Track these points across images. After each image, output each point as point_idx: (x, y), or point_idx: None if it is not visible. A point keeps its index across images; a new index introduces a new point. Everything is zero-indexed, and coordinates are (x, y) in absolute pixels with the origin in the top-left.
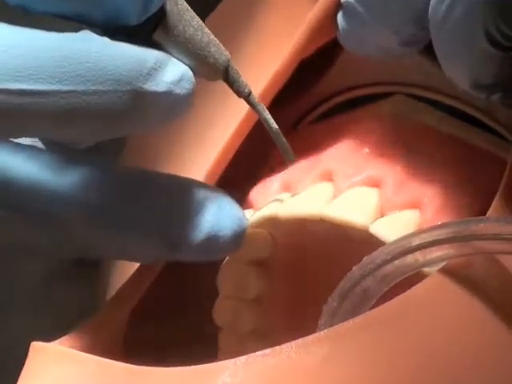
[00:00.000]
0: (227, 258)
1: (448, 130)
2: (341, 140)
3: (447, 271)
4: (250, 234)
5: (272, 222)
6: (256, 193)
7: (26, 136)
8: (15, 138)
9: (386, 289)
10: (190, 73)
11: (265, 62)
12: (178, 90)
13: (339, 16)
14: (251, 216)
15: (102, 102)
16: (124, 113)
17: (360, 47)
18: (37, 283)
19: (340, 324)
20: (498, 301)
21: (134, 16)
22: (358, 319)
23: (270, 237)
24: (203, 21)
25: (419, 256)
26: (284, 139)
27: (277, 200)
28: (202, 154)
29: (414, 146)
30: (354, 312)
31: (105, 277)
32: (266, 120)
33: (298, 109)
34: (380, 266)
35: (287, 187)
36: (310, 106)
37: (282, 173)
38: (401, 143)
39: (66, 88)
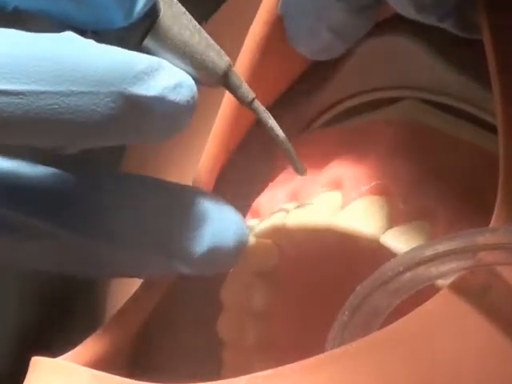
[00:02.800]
0: (231, 269)
1: (462, 137)
2: (349, 147)
3: (458, 286)
4: (256, 245)
5: (279, 232)
6: (261, 201)
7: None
8: None
9: (398, 302)
10: (191, 80)
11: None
12: (173, 97)
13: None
14: (257, 226)
15: (83, 104)
16: (108, 117)
17: (313, 42)
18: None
19: (346, 345)
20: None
21: (119, 18)
22: (365, 340)
23: (277, 248)
24: (205, 22)
25: (432, 268)
26: (293, 150)
27: (283, 209)
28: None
29: (425, 153)
30: (365, 326)
31: (105, 293)
32: (271, 129)
33: (305, 114)
34: (391, 278)
35: (294, 196)
36: (318, 112)
37: (289, 180)
38: (411, 150)
39: (42, 88)
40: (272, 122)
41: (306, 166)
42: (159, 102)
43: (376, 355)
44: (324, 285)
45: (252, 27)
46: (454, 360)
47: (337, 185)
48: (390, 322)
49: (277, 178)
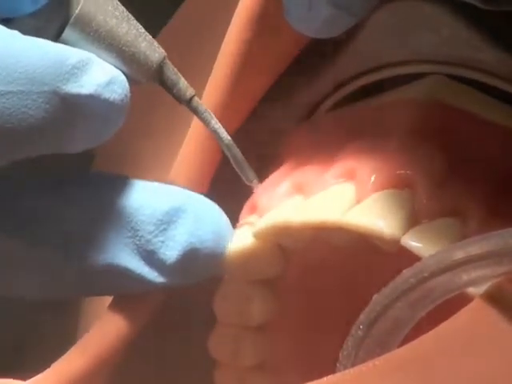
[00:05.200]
0: (226, 276)
1: (498, 120)
2: (364, 131)
3: (493, 295)
4: (255, 247)
5: (281, 232)
6: (261, 194)
7: None
8: None
9: (422, 315)
10: (122, 76)
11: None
12: (107, 94)
13: None
14: (256, 223)
15: (12, 107)
16: (42, 122)
17: (313, 18)
18: None
19: (362, 365)
20: None
21: (26, 1)
22: (385, 359)
23: (279, 250)
24: (160, 29)
25: (463, 274)
26: (240, 155)
27: (287, 204)
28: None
29: (454, 139)
30: (383, 343)
31: (75, 310)
32: (215, 131)
33: (311, 94)
34: (415, 286)
35: (299, 188)
36: (326, 91)
37: (294, 171)
38: (438, 135)
39: None
40: (215, 124)
41: (314, 154)
42: (93, 100)
43: (398, 377)
44: (335, 294)
45: (241, 2)
46: (489, 380)
47: (350, 176)
48: (413, 338)
49: (279, 168)
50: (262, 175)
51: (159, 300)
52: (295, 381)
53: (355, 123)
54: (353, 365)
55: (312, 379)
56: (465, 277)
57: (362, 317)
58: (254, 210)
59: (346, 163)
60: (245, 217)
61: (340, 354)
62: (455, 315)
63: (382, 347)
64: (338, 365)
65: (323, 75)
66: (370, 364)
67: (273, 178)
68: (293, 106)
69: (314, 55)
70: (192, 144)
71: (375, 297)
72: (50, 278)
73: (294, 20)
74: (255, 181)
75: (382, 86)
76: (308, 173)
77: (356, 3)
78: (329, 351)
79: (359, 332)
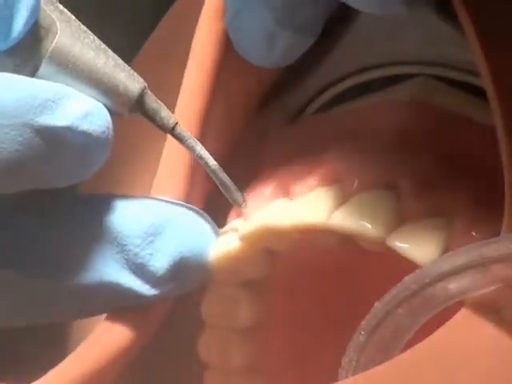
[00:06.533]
0: (213, 279)
1: (485, 121)
2: (349, 133)
3: (479, 306)
4: (241, 250)
5: (267, 234)
6: (246, 197)
7: None
8: None
9: (423, 321)
10: (103, 108)
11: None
12: (85, 126)
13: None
14: (241, 226)
15: None
16: (16, 154)
17: (271, 55)
18: None
19: (365, 373)
20: None
21: None
22: (388, 366)
23: (266, 252)
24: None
25: (464, 280)
26: (227, 179)
27: (272, 206)
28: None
29: (440, 140)
30: (385, 349)
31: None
32: (200, 157)
33: (297, 97)
34: (416, 292)
35: (285, 191)
36: (313, 93)
37: (278, 173)
38: (424, 136)
39: None
40: (200, 149)
41: (300, 156)
42: (71, 133)
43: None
44: (322, 296)
45: (194, 51)
46: None
47: (334, 178)
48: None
49: (265, 171)
50: (249, 178)
51: (160, 312)
52: (284, 383)
53: (340, 125)
54: (354, 371)
55: (301, 381)
56: (466, 283)
57: (363, 323)
58: (240, 213)
59: (332, 165)
60: (231, 221)
61: (342, 360)
62: (436, 331)
63: (384, 353)
64: (340, 370)
65: (309, 78)
66: (372, 372)
67: (258, 180)
68: (279, 108)
69: (299, 59)
70: (172, 154)
71: (377, 303)
72: (40, 304)
73: (255, 60)
74: (244, 203)
75: (367, 88)
76: (293, 175)
77: (315, 22)
78: (317, 352)
79: (361, 338)
